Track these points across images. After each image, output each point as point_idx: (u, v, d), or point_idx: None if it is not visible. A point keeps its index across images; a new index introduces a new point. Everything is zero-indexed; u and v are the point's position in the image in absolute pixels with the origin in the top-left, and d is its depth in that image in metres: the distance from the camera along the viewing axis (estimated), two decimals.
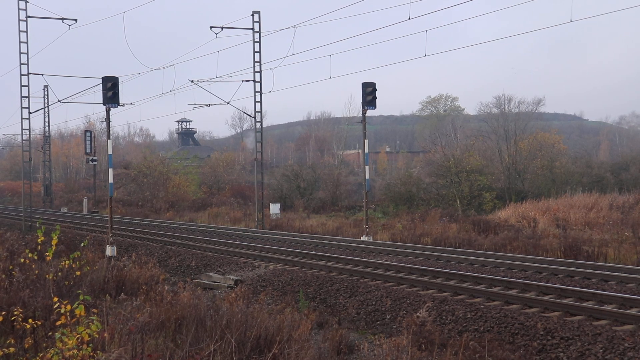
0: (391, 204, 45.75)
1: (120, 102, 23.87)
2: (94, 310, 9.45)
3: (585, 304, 12.71)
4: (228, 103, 37.94)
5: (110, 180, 25.03)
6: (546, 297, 13.63)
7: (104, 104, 23.63)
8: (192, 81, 35.62)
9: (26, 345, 9.19)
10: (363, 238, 26.05)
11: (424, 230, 29.26)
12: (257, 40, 35.47)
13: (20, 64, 36.63)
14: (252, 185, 53.87)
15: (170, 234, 30.37)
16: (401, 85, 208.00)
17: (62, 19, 36.39)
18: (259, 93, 35.83)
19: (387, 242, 25.99)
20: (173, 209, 50.91)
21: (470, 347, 10.22)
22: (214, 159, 76.43)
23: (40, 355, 7.97)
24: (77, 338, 7.48)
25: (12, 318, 9.69)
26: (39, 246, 9.94)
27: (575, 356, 10.45)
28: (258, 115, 36.44)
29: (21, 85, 37.03)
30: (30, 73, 36.90)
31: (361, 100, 26.32)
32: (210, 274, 19.87)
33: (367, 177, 27.75)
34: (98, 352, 7.73)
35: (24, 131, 38.91)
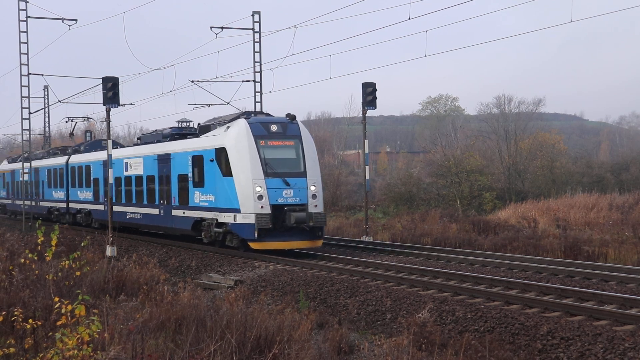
0: (391, 204, 45.73)
1: (120, 102, 23.89)
2: (95, 311, 9.44)
3: (586, 304, 12.71)
4: (228, 103, 37.76)
5: (111, 180, 25.01)
6: (546, 298, 13.63)
7: (104, 104, 23.65)
8: (192, 81, 35.51)
9: (26, 346, 9.19)
10: (363, 238, 26.03)
11: (424, 230, 29.25)
12: (257, 40, 35.47)
13: (21, 64, 36.59)
14: None
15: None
16: (401, 86, 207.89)
17: (62, 19, 36.35)
18: (259, 93, 35.83)
19: (388, 242, 25.98)
20: None
21: (471, 347, 10.22)
22: None
23: (41, 355, 7.96)
24: (78, 338, 7.48)
25: (12, 318, 9.69)
26: (39, 246, 9.95)
27: (576, 356, 10.44)
28: None
29: (21, 86, 36.98)
30: (30, 73, 36.84)
31: (361, 101, 26.31)
32: (211, 274, 19.87)
33: (367, 177, 27.72)
34: (98, 352, 7.73)
35: (24, 131, 38.83)
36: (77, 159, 35.72)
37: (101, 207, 31.40)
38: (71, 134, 39.73)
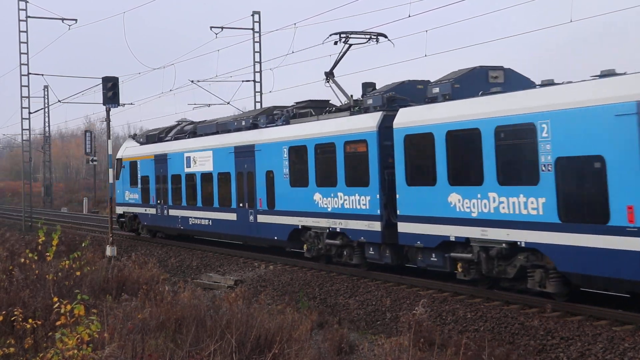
0: None
1: (120, 102, 23.92)
2: (94, 310, 9.46)
3: (586, 305, 12.69)
4: (228, 103, 37.77)
5: (111, 180, 25.03)
6: (546, 298, 13.61)
7: (104, 104, 23.68)
8: (192, 81, 35.58)
9: (26, 345, 9.21)
10: None
11: None
12: (257, 40, 35.51)
13: (20, 64, 36.68)
14: None
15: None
16: None
17: (62, 19, 36.44)
18: (259, 93, 35.85)
19: None
20: None
21: (470, 347, 10.22)
22: None
23: (41, 355, 7.98)
24: (77, 338, 7.49)
25: (12, 318, 9.70)
26: (39, 246, 9.95)
27: (576, 356, 10.44)
28: None
29: (21, 86, 37.08)
30: (30, 73, 36.96)
31: None
32: (211, 274, 19.88)
33: None
34: (98, 352, 7.74)
35: (24, 131, 38.96)
36: (447, 113, 14.02)
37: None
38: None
